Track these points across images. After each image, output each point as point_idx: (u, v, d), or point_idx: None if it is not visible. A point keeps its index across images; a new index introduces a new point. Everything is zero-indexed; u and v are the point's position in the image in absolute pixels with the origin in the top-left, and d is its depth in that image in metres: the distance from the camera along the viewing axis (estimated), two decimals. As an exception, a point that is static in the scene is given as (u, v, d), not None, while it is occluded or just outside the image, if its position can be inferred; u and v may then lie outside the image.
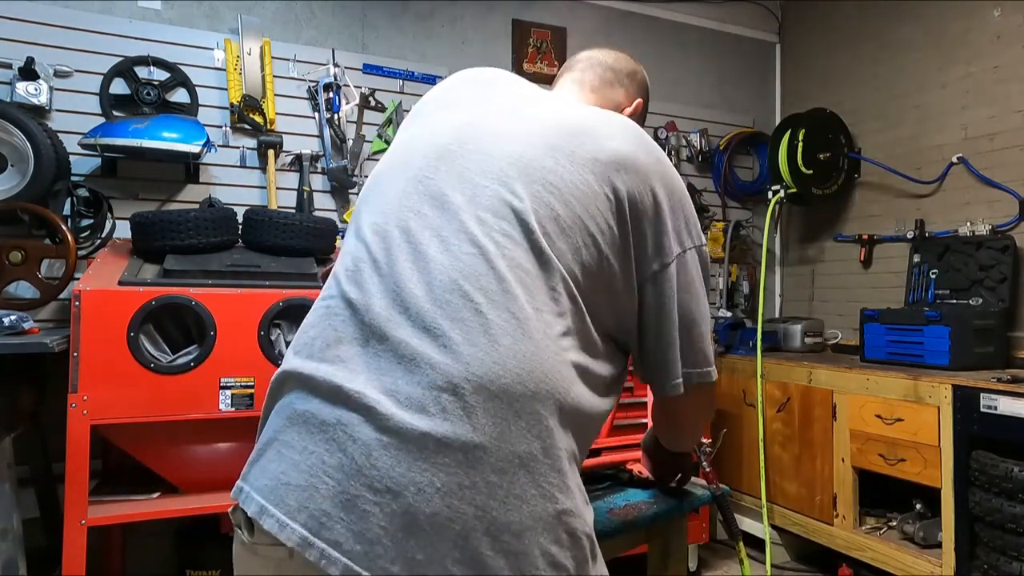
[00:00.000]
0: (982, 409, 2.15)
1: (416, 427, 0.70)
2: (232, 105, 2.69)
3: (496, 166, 0.86)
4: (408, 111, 2.09)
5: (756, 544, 3.00)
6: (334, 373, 0.75)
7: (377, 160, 2.09)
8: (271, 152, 2.72)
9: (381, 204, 0.88)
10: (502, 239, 0.80)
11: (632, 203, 0.87)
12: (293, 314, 2.08)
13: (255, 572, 0.77)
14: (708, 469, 1.42)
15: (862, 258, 3.37)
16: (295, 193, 2.79)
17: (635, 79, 1.17)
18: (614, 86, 1.14)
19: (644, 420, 2.58)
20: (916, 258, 3.04)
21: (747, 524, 3.05)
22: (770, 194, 3.28)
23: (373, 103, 2.95)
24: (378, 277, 0.81)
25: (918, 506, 2.48)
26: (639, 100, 1.17)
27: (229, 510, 0.81)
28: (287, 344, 2.07)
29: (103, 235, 2.44)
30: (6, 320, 1.86)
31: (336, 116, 2.86)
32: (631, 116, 1.13)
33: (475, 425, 0.71)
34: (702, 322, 0.94)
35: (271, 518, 0.72)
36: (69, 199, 2.39)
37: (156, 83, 2.59)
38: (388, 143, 2.88)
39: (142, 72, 2.59)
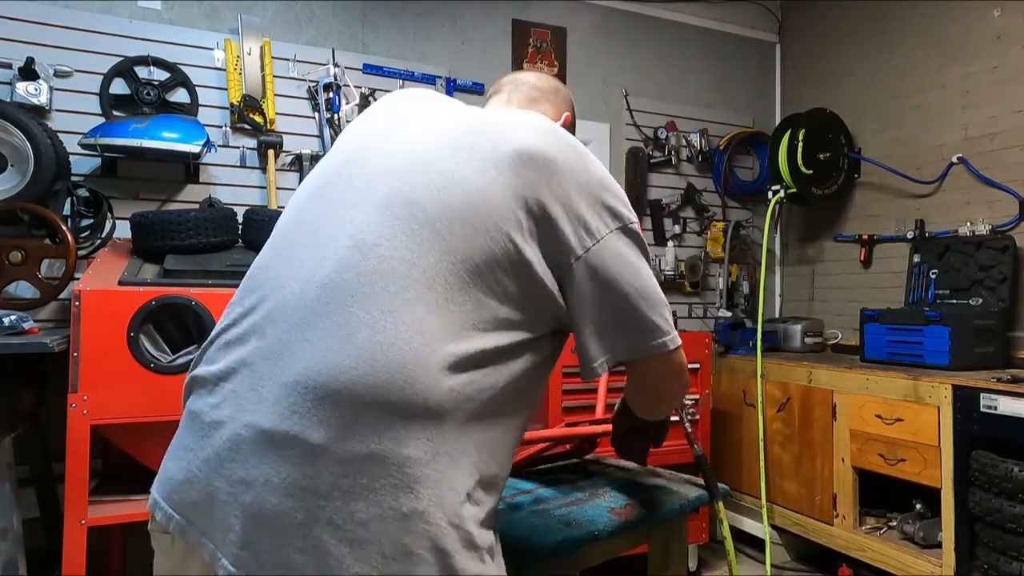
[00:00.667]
0: (982, 409, 2.15)
1: (267, 423, 0.74)
2: (232, 105, 2.69)
3: (392, 165, 0.87)
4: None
5: (756, 544, 3.00)
6: (217, 373, 0.82)
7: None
8: (271, 152, 2.72)
9: (282, 220, 0.93)
10: (385, 230, 0.80)
11: (540, 194, 0.85)
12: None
13: (157, 554, 0.87)
14: (690, 430, 1.43)
15: (862, 258, 3.37)
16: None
17: (559, 95, 1.20)
18: (540, 103, 1.17)
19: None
20: (916, 258, 3.04)
21: (747, 524, 3.05)
22: (770, 194, 3.28)
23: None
24: (269, 279, 0.85)
25: (918, 506, 2.48)
26: (567, 115, 1.19)
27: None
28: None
29: (103, 235, 2.44)
30: (6, 320, 1.86)
31: (336, 116, 2.86)
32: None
33: (320, 420, 0.72)
34: (644, 296, 0.90)
35: (161, 511, 0.81)
36: (69, 199, 2.39)
37: (156, 83, 2.59)
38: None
39: (142, 72, 2.59)
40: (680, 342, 0.93)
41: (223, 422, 0.77)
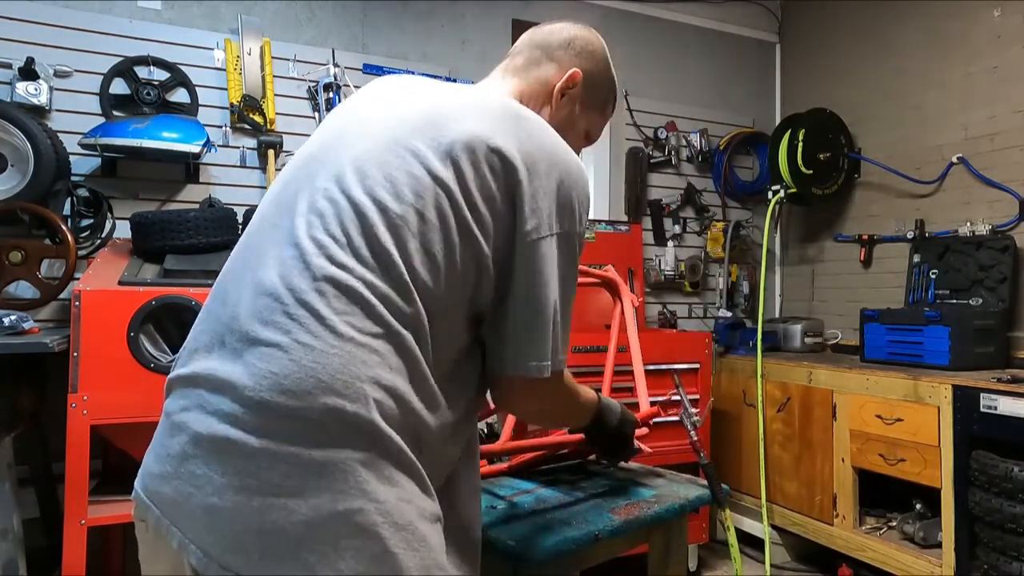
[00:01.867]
0: (982, 409, 2.15)
1: (218, 429, 0.77)
2: (232, 105, 2.69)
3: (338, 166, 0.87)
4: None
5: (756, 544, 3.00)
6: (185, 378, 0.85)
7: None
8: (271, 152, 2.72)
9: (250, 223, 0.95)
10: (324, 238, 0.82)
11: (482, 185, 0.85)
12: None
13: (139, 542, 0.91)
14: (696, 439, 1.42)
15: (862, 258, 3.37)
16: (295, 193, 2.79)
17: (572, 47, 1.10)
18: (541, 64, 1.08)
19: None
20: (916, 258, 3.04)
21: (747, 524, 3.05)
22: (770, 194, 3.28)
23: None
24: (230, 284, 0.87)
25: (918, 506, 2.48)
26: (575, 70, 1.07)
27: None
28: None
29: (103, 235, 2.44)
30: (6, 320, 1.86)
31: (336, 116, 2.85)
32: (564, 87, 1.07)
33: (262, 425, 0.75)
34: (545, 311, 0.88)
35: (142, 501, 0.85)
36: (69, 199, 2.40)
37: (156, 83, 2.59)
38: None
39: (142, 72, 2.59)
40: (561, 368, 0.92)
41: (187, 424, 0.80)
